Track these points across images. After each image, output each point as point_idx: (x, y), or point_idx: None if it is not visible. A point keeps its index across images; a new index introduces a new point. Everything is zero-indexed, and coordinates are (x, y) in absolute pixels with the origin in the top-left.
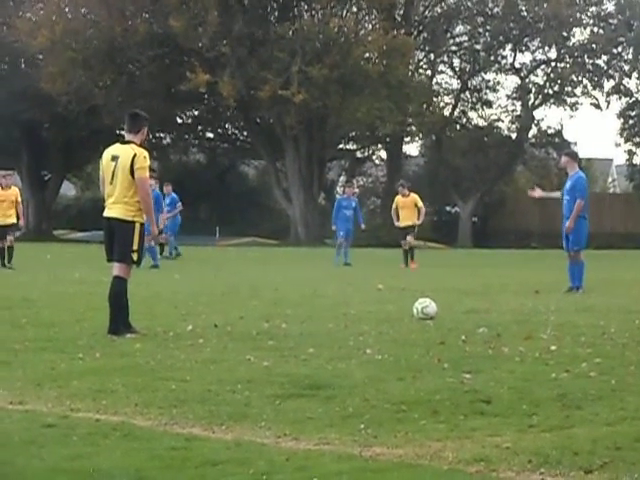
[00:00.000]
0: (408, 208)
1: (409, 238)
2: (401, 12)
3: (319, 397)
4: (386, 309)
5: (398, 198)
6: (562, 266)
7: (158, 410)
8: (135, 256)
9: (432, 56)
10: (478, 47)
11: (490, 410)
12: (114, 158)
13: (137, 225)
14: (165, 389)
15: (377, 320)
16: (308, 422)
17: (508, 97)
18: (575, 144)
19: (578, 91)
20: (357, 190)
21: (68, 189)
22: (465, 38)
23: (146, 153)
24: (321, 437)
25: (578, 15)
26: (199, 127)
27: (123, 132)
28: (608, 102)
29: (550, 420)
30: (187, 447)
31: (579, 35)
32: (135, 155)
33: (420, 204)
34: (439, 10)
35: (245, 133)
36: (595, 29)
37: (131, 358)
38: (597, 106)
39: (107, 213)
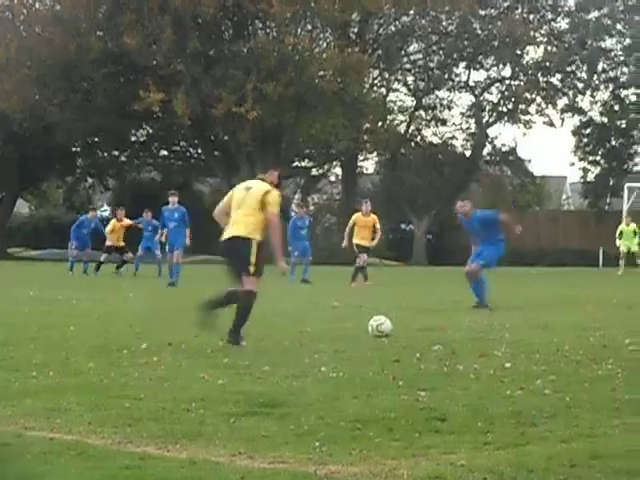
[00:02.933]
0: (368, 228)
1: (365, 257)
2: (356, 30)
3: (274, 415)
4: (342, 327)
5: (358, 216)
6: (516, 283)
7: (112, 429)
8: (252, 268)
9: (386, 74)
10: (432, 65)
11: (445, 428)
12: (247, 188)
13: (254, 242)
14: (119, 407)
15: (333, 338)
16: (263, 440)
17: (462, 115)
18: (529, 161)
19: (532, 109)
20: (307, 209)
21: (22, 207)
22: (419, 56)
23: (279, 193)
24: (276, 455)
25: (532, 33)
26: (154, 145)
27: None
28: (562, 120)
29: (505, 437)
30: (141, 466)
31: (533, 53)
32: (268, 191)
33: (378, 226)
34: (393, 28)
35: (200, 151)
36: (549, 47)
37: (85, 376)
38: (551, 124)
39: (226, 235)
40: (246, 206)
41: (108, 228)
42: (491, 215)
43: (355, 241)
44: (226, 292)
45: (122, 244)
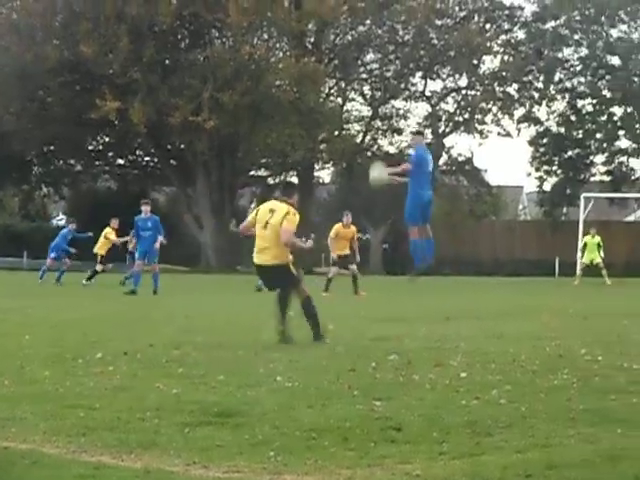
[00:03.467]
0: (347, 240)
1: (353, 267)
2: (312, 40)
3: (228, 425)
4: (297, 336)
5: (339, 227)
6: (473, 293)
7: (67, 438)
8: (297, 281)
9: (343, 83)
10: (389, 75)
11: (400, 437)
12: (271, 211)
13: (289, 263)
14: (74, 417)
15: (288, 347)
16: (217, 450)
17: (419, 124)
18: (485, 171)
19: (488, 119)
20: None
21: None
22: (376, 66)
23: (296, 215)
24: (230, 465)
25: (488, 43)
26: (110, 154)
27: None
28: (518, 130)
29: (460, 447)
30: (96, 475)
31: (489, 63)
32: (288, 212)
33: (357, 237)
34: (350, 38)
35: (156, 160)
36: (506, 57)
37: (40, 385)
38: (507, 134)
39: (261, 260)
40: (271, 233)
41: (108, 238)
42: None
43: (338, 252)
44: (303, 306)
45: (103, 254)
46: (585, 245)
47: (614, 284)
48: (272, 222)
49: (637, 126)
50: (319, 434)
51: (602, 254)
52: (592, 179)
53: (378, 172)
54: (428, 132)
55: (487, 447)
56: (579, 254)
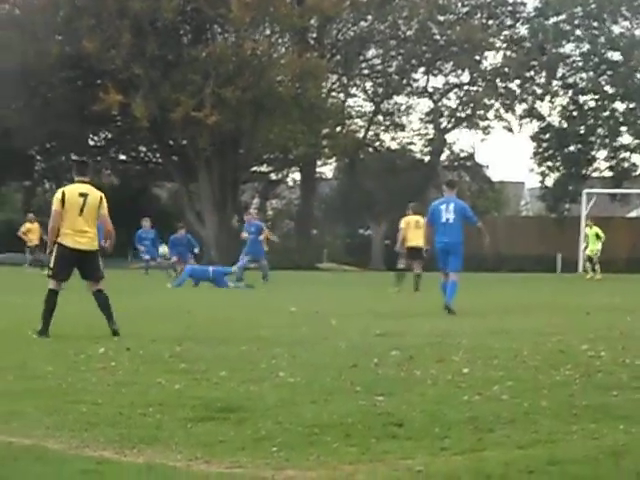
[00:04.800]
0: (420, 228)
1: (418, 264)
2: (314, 35)
3: (231, 420)
4: (299, 332)
5: (409, 218)
6: (475, 289)
7: (69, 433)
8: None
9: (345, 79)
10: (391, 70)
11: (402, 433)
12: (82, 195)
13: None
14: (76, 412)
15: (290, 343)
16: (220, 445)
17: (421, 120)
18: (487, 167)
19: (490, 114)
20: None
21: None
22: (378, 61)
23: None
24: (233, 460)
25: (491, 39)
26: (112, 149)
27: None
28: (520, 126)
29: (462, 443)
30: (98, 470)
31: (492, 59)
32: (101, 195)
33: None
34: (352, 34)
35: (158, 155)
36: (508, 53)
37: (43, 381)
38: (509, 129)
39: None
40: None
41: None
42: None
43: (409, 244)
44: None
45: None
46: (587, 237)
47: (616, 280)
48: (89, 209)
49: (639, 122)
50: (321, 430)
51: (599, 247)
52: (594, 175)
53: None
54: (430, 128)
55: (489, 443)
56: (582, 247)
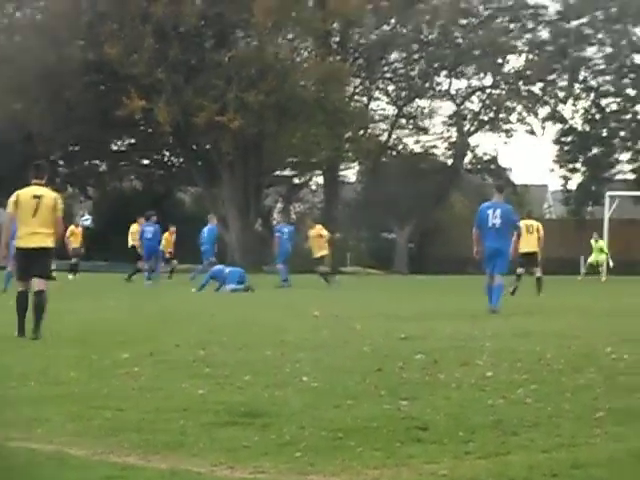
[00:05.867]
0: (532, 233)
1: (538, 269)
2: (337, 39)
3: (255, 425)
4: (322, 336)
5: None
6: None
7: (93, 439)
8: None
9: (368, 83)
10: (413, 74)
11: (427, 437)
12: (36, 197)
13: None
14: (100, 418)
15: (313, 347)
16: (244, 450)
17: (444, 123)
18: (510, 170)
19: (513, 118)
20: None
21: (2, 216)
22: (401, 65)
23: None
24: (257, 466)
25: (513, 42)
26: (135, 154)
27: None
28: (543, 128)
29: (486, 447)
30: (122, 476)
31: (514, 62)
32: (57, 197)
33: (542, 231)
34: (374, 37)
35: (181, 160)
36: (530, 56)
37: (66, 386)
38: (532, 132)
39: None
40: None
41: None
42: None
43: (526, 249)
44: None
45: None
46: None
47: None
48: (42, 210)
49: None
50: (345, 434)
51: (601, 258)
52: (617, 177)
53: None
54: (453, 131)
55: (513, 446)
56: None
